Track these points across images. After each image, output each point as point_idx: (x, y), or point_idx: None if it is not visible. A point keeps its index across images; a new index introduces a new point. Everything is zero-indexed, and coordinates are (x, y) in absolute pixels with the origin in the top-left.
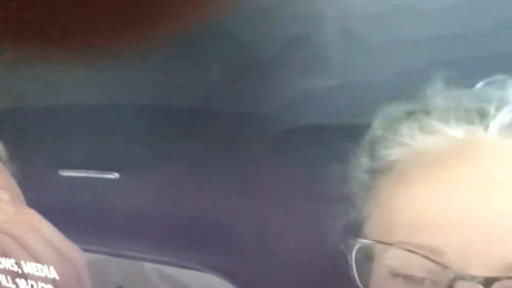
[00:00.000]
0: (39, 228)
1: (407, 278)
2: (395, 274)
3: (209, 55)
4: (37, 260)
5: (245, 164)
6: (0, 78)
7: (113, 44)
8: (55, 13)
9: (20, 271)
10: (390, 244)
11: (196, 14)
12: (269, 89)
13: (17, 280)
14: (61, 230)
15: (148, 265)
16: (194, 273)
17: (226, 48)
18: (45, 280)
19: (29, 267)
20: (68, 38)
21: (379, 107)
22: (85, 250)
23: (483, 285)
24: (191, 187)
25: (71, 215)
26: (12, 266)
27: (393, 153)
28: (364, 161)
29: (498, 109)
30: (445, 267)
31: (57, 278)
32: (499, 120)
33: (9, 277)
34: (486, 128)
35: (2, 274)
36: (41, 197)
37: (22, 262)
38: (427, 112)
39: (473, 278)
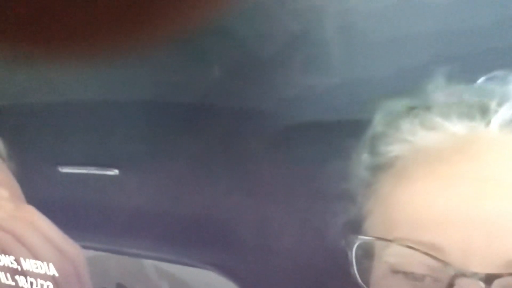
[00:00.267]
0: (38, 225)
1: (407, 275)
2: (396, 271)
3: (209, 53)
4: (36, 257)
5: (245, 161)
6: None
7: (113, 42)
8: (55, 11)
9: (19, 268)
10: (390, 241)
11: (196, 12)
12: (269, 86)
13: (17, 277)
14: (61, 227)
15: (147, 262)
16: (194, 270)
17: (226, 46)
18: (45, 277)
19: (29, 264)
20: (68, 35)
21: (380, 103)
22: (85, 247)
23: (484, 282)
24: (191, 184)
25: (70, 212)
26: (12, 263)
27: (394, 149)
28: (365, 157)
29: (499, 104)
30: (446, 263)
31: (57, 275)
32: (500, 115)
33: (8, 274)
34: (488, 124)
35: (1, 271)
36: (40, 194)
37: (22, 259)
38: (428, 108)
39: (474, 274)
